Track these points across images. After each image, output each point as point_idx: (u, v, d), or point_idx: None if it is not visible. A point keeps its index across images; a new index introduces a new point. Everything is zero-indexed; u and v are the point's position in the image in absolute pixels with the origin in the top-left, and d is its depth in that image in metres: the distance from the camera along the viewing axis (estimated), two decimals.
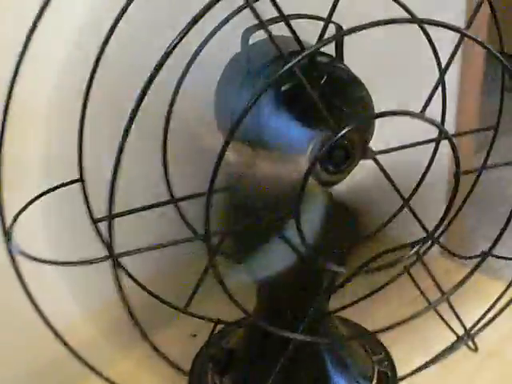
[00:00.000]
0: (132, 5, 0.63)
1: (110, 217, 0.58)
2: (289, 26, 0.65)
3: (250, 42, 0.72)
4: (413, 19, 0.63)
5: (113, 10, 0.66)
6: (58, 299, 0.77)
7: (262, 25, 0.56)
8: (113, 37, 0.68)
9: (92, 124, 0.73)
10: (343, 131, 0.59)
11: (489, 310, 0.80)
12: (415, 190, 0.85)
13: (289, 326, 0.73)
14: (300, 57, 0.55)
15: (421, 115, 0.61)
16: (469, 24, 0.69)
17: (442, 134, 0.63)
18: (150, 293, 0.82)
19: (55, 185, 0.73)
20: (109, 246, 0.58)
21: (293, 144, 0.67)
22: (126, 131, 0.53)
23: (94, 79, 0.69)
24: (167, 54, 0.52)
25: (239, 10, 0.66)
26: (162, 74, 0.53)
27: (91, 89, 0.70)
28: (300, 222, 0.61)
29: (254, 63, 0.72)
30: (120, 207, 0.61)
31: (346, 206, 0.76)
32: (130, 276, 0.79)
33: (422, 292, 0.79)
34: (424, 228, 0.77)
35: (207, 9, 0.52)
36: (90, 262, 0.62)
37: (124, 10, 0.65)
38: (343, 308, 0.92)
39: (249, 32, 0.71)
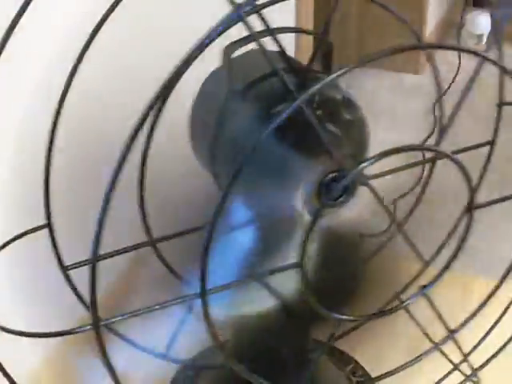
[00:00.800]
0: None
1: (94, 260, 0.45)
2: (276, 40, 0.56)
3: None
4: (419, 44, 0.55)
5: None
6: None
7: (256, 40, 0.46)
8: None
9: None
10: (356, 170, 0.50)
11: (487, 333, 0.73)
12: (409, 214, 0.77)
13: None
14: (308, 92, 0.45)
15: (447, 154, 0.52)
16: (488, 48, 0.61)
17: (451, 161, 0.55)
18: (134, 345, 0.70)
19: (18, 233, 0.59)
20: (93, 311, 0.46)
21: (285, 176, 0.58)
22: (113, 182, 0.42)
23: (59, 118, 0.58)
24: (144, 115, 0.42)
25: (230, 24, 0.55)
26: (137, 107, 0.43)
27: (56, 129, 0.58)
28: (306, 272, 0.52)
29: (237, 81, 0.62)
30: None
31: (343, 236, 0.68)
32: (120, 336, 0.68)
33: (426, 333, 0.70)
34: (422, 259, 0.69)
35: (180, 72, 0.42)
36: (71, 331, 0.50)
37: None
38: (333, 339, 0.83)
39: (232, 47, 0.61)
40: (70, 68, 0.57)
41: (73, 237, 0.54)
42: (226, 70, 0.62)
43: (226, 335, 0.70)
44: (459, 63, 0.67)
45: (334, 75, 0.46)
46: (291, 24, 1.33)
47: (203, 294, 0.48)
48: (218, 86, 0.65)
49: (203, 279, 0.47)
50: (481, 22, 2.28)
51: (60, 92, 0.57)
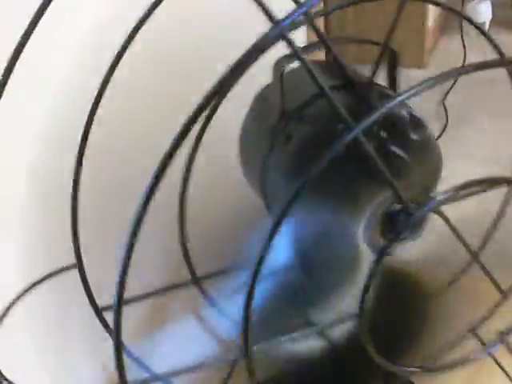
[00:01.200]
0: None
1: (119, 308, 0.39)
2: (332, 53, 0.49)
3: None
4: (503, 60, 0.47)
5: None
6: None
7: (302, 60, 0.39)
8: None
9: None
10: (430, 206, 0.42)
11: None
12: (485, 241, 0.69)
13: None
14: (367, 123, 0.38)
15: None
16: None
17: None
18: None
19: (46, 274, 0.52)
20: (121, 376, 0.40)
21: (346, 206, 0.51)
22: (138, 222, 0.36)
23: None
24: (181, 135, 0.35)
25: (271, 41, 0.47)
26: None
27: (82, 162, 0.51)
28: (364, 321, 0.45)
29: (289, 101, 0.55)
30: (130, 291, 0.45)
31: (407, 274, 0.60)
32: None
33: None
34: (500, 290, 0.61)
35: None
36: None
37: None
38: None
39: (282, 63, 0.54)
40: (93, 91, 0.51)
41: (106, 271, 0.48)
42: (277, 87, 0.55)
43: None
44: (464, 57, 0.59)
45: (399, 98, 0.39)
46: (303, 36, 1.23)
47: (247, 354, 0.41)
48: (269, 103, 0.58)
49: (246, 340, 0.41)
50: (482, 10, 2.21)
51: (84, 122, 0.51)
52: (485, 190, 0.47)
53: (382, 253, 0.44)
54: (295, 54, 0.37)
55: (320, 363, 0.57)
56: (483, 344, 0.58)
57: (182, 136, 0.34)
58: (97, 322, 0.55)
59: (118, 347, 0.38)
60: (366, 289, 0.44)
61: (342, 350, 0.54)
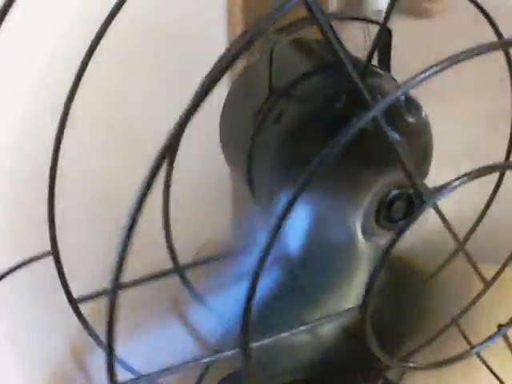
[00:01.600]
0: None
1: (113, 290, 0.35)
2: (332, 30, 0.46)
3: None
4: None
5: None
6: None
7: (323, 27, 0.36)
8: None
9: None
10: (439, 196, 0.40)
11: None
12: (472, 230, 0.67)
13: None
14: (386, 101, 0.35)
15: None
16: None
17: None
18: None
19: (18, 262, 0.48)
20: (110, 374, 0.36)
21: (340, 191, 0.48)
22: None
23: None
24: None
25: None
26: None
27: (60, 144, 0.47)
28: (367, 314, 0.42)
29: (278, 79, 0.52)
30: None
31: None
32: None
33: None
34: (483, 280, 0.60)
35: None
36: None
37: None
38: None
39: (275, 39, 0.51)
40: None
41: (78, 266, 0.45)
42: (265, 63, 0.52)
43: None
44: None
45: (419, 78, 0.36)
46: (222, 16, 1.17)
47: (246, 350, 0.38)
48: (256, 80, 0.55)
49: (245, 332, 0.38)
50: None
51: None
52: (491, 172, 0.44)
53: (392, 243, 0.41)
54: (316, 20, 0.34)
55: (313, 360, 0.54)
56: (465, 337, 0.56)
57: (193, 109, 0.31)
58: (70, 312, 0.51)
59: (110, 345, 0.35)
60: (371, 280, 0.41)
61: (335, 346, 0.51)
